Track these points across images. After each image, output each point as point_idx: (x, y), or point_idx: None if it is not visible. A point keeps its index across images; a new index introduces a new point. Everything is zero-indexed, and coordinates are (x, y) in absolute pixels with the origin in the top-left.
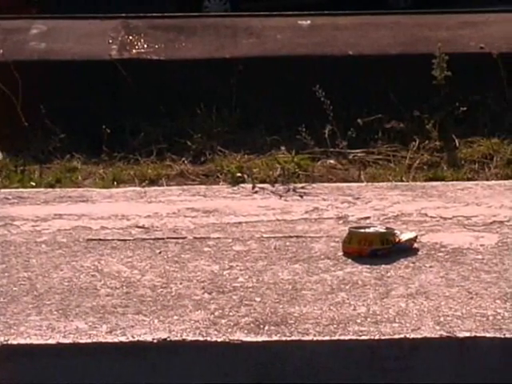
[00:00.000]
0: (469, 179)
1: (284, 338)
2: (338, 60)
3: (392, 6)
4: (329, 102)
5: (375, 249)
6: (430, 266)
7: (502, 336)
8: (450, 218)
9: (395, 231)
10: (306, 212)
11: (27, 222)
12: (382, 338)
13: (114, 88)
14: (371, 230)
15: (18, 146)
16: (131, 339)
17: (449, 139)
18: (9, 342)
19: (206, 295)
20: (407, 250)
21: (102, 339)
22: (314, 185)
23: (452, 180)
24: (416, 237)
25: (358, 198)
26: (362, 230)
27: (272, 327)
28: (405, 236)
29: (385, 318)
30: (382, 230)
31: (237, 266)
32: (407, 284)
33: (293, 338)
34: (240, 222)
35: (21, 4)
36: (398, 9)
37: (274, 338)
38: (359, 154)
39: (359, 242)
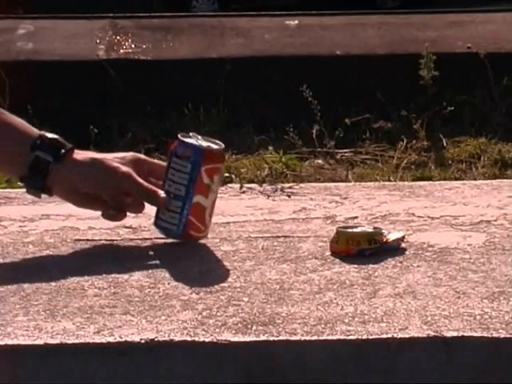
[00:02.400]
0: (456, 179)
1: (272, 338)
2: (325, 60)
3: (380, 6)
4: (316, 101)
5: (363, 248)
6: (418, 266)
7: (490, 335)
8: (438, 218)
9: (383, 231)
10: (294, 212)
11: (14, 223)
12: (370, 337)
13: (101, 88)
14: (359, 229)
15: None
16: (119, 339)
17: (436, 139)
18: None
19: (194, 295)
20: (395, 249)
21: (89, 339)
22: (301, 185)
23: (439, 180)
24: (403, 236)
25: (345, 198)
26: (350, 230)
27: (260, 327)
28: (392, 236)
29: (372, 317)
30: (369, 229)
31: (224, 265)
32: (395, 284)
33: (280, 337)
34: (228, 222)
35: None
36: (386, 9)
37: (262, 337)
38: (347, 154)
39: (347, 241)
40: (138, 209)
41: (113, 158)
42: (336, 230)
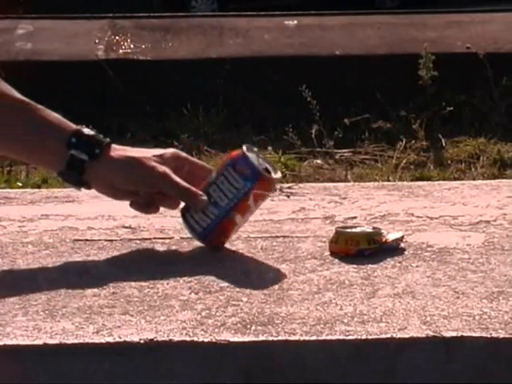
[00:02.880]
0: (455, 179)
1: (271, 338)
2: (324, 60)
3: (378, 6)
4: (315, 102)
5: (362, 248)
6: (417, 266)
7: (489, 335)
8: (437, 218)
9: (382, 231)
10: (293, 212)
11: (14, 223)
12: (369, 337)
13: (100, 88)
14: (358, 229)
15: None
16: (118, 339)
17: (435, 139)
18: None
19: (193, 295)
20: (394, 249)
21: (88, 340)
22: (300, 185)
23: (439, 180)
24: (403, 237)
25: (344, 198)
26: (349, 230)
27: (259, 327)
28: (391, 236)
29: (371, 317)
30: (368, 229)
31: (224, 265)
32: (394, 284)
33: (279, 337)
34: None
35: (6, 4)
36: (385, 9)
37: (261, 337)
38: (346, 154)
39: (346, 241)
40: (174, 206)
41: (151, 156)
42: (335, 230)
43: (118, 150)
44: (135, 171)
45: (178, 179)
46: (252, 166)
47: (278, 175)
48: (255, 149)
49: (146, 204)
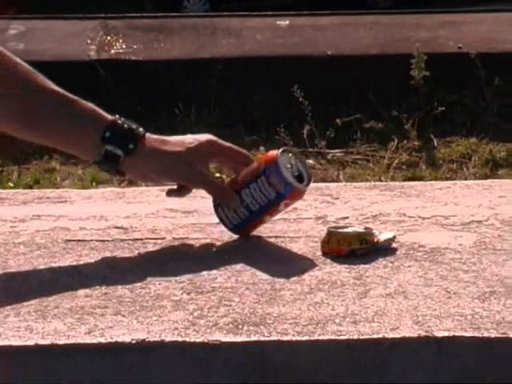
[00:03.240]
0: (447, 179)
1: (263, 339)
2: (316, 60)
3: (371, 6)
4: (307, 102)
5: (354, 249)
6: (409, 266)
7: (481, 335)
8: (429, 218)
9: (374, 231)
10: (285, 212)
11: (5, 223)
12: (361, 337)
13: (92, 88)
14: (350, 230)
15: None
16: (110, 340)
17: (427, 139)
18: None
19: (185, 296)
20: (386, 249)
21: (80, 340)
22: None
23: (430, 179)
24: (394, 237)
25: (336, 198)
26: (341, 230)
27: (251, 327)
28: (383, 236)
29: (363, 317)
30: (360, 230)
31: (216, 266)
32: (386, 284)
33: (272, 338)
34: (219, 223)
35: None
36: (378, 9)
37: (253, 338)
38: (338, 154)
39: (338, 241)
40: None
41: (185, 150)
42: (327, 231)
43: (154, 141)
44: (169, 166)
45: (213, 180)
46: (285, 180)
47: (310, 182)
48: (290, 154)
49: (180, 188)
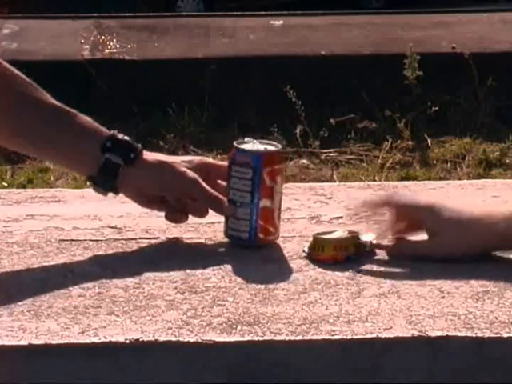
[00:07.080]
0: (441, 179)
1: (256, 338)
2: (310, 60)
3: (363, 6)
4: (301, 101)
5: (351, 253)
6: (402, 266)
7: (474, 335)
8: None
9: (357, 233)
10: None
11: None
12: (355, 337)
13: (86, 88)
14: (336, 234)
15: None
16: (103, 340)
17: (421, 139)
18: None
19: (179, 295)
20: (376, 251)
21: (74, 340)
22: (286, 185)
23: (424, 179)
24: (374, 238)
25: (330, 198)
26: (330, 236)
27: (244, 327)
28: (364, 237)
29: (357, 317)
30: (344, 233)
31: (209, 265)
32: (379, 283)
33: (265, 337)
34: (213, 222)
35: None
36: (370, 9)
37: (247, 337)
38: (332, 154)
39: (334, 248)
40: (202, 214)
41: (180, 162)
42: (313, 238)
43: (150, 155)
44: (167, 176)
45: (206, 186)
46: (250, 152)
47: (279, 146)
48: (247, 138)
49: (177, 211)
